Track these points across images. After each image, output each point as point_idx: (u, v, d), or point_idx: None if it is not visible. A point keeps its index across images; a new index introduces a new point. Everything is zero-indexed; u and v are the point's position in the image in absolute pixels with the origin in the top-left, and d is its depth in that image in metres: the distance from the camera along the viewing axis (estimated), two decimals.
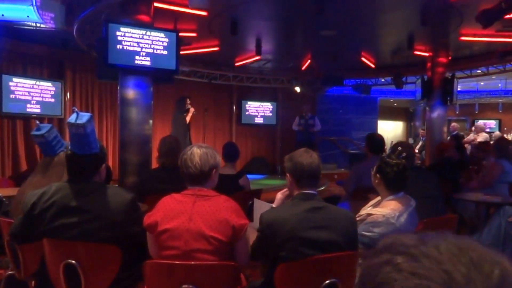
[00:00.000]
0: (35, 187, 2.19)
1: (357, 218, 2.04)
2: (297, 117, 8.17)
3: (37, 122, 2.30)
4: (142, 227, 1.79)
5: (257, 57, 7.34)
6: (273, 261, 1.73)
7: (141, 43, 4.36)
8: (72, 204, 1.80)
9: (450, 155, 4.86)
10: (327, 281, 1.66)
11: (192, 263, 1.64)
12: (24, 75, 6.69)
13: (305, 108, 8.26)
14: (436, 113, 7.49)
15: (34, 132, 2.23)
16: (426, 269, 0.37)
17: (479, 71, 8.71)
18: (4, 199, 3.02)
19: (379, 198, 2.20)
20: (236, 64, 8.31)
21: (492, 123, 12.56)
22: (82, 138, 1.80)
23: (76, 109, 1.87)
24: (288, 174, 1.88)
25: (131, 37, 4.30)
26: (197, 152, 1.80)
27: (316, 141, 9.07)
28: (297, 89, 9.00)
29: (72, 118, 1.79)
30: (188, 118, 6.65)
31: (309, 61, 8.18)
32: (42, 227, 1.80)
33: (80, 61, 7.29)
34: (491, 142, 6.55)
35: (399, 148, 2.94)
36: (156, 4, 4.56)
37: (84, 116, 1.80)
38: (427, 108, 7.92)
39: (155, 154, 5.04)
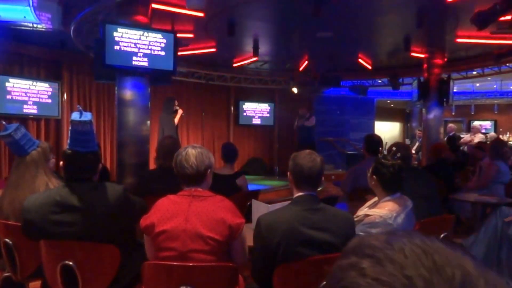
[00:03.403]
0: (11, 189, 2.19)
1: (355, 219, 2.05)
2: (297, 118, 8.20)
3: (4, 123, 2.27)
4: (138, 215, 1.80)
5: (255, 58, 7.35)
6: (271, 262, 1.74)
7: (139, 44, 4.36)
8: (70, 204, 1.80)
9: (446, 156, 4.89)
10: (325, 282, 1.66)
11: (190, 264, 1.64)
12: (21, 75, 6.65)
13: (302, 111, 8.21)
14: (433, 114, 7.52)
15: (1, 133, 2.18)
16: (388, 275, 0.37)
17: (474, 72, 8.76)
18: None
19: (376, 199, 2.21)
20: (234, 65, 8.32)
21: (488, 124, 12.63)
22: (86, 135, 1.83)
23: (80, 108, 1.89)
24: (288, 173, 1.89)
25: (129, 38, 4.30)
26: (192, 153, 1.80)
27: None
28: (295, 90, 9.01)
29: (76, 116, 1.81)
30: (176, 120, 6.48)
31: (306, 62, 8.20)
32: (41, 228, 1.80)
33: (77, 62, 7.26)
34: (487, 143, 6.59)
35: (394, 148, 2.96)
36: (153, 5, 4.57)
37: (88, 114, 1.84)
38: (423, 109, 7.95)
39: (152, 155, 5.03)
